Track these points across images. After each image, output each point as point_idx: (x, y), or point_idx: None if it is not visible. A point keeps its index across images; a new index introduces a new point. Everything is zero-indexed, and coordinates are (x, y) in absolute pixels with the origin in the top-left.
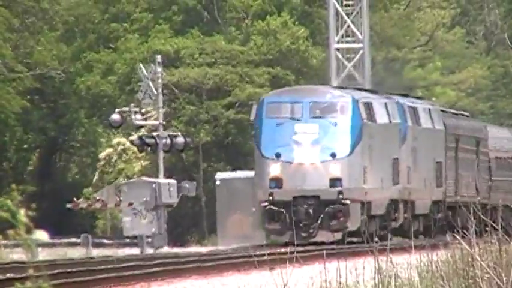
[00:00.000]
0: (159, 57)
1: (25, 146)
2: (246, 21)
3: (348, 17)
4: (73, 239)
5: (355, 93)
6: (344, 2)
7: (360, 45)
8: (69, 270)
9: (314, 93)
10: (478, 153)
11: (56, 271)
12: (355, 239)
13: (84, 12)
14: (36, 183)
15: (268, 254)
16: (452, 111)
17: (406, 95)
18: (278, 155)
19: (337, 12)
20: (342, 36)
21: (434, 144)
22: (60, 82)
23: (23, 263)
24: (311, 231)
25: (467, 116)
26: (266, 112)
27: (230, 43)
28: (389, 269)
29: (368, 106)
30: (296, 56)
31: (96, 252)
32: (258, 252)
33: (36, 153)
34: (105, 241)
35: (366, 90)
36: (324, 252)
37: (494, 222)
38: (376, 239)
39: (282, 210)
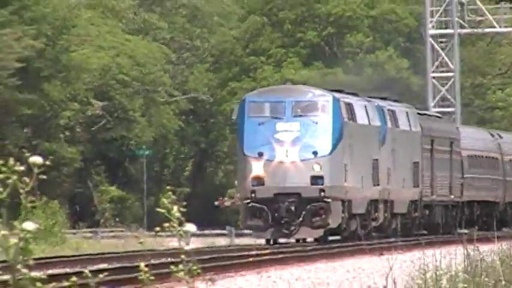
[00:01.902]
0: None
1: (182, 156)
2: (360, 55)
3: (442, 51)
4: (219, 231)
5: (336, 93)
6: (439, 39)
7: (452, 73)
8: (215, 255)
9: (295, 93)
10: (452, 153)
11: (205, 257)
12: (337, 237)
13: (229, 48)
14: (190, 185)
15: (378, 243)
16: (428, 113)
17: (384, 98)
18: (260, 154)
19: (433, 47)
20: (437, 67)
21: (411, 145)
22: (209, 104)
23: (177, 249)
24: (292, 228)
25: (440, 118)
26: (248, 111)
27: (347, 73)
28: (476, 255)
29: (349, 106)
30: (400, 83)
31: (238, 241)
32: (369, 242)
33: (191, 162)
34: (246, 232)
35: (347, 93)
36: (423, 241)
37: (468, 218)
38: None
39: (264, 207)
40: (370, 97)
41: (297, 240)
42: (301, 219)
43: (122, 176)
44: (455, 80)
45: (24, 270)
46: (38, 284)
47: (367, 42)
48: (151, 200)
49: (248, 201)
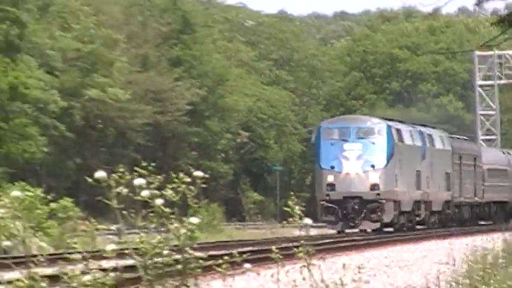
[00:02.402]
0: None
1: (303, 171)
2: (428, 99)
3: (487, 96)
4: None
5: (389, 121)
6: (484, 88)
7: (494, 112)
8: (326, 241)
9: (358, 121)
10: (475, 166)
11: (319, 242)
12: (390, 229)
13: (336, 94)
14: (310, 191)
15: (442, 231)
16: (457, 136)
17: (424, 125)
18: (332, 167)
19: (480, 94)
20: (483, 107)
21: (444, 160)
22: None
23: (298, 237)
24: (356, 222)
25: (466, 140)
26: (323, 135)
27: (419, 111)
28: (511, 239)
29: (398, 131)
30: (457, 119)
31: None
32: (436, 230)
33: (310, 175)
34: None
35: (397, 121)
36: (473, 230)
37: (487, 215)
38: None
39: (335, 206)
40: (414, 124)
41: (360, 231)
42: (363, 215)
43: (262, 185)
44: (497, 116)
45: (191, 252)
46: (201, 261)
47: (434, 90)
48: (282, 202)
49: (323, 202)
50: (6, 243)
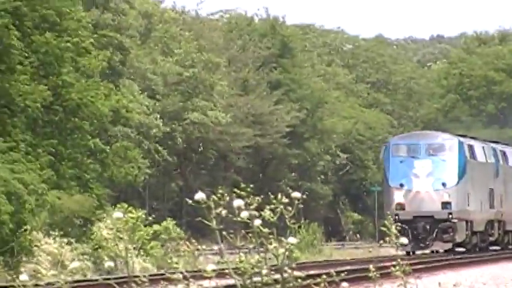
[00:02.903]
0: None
1: None
2: None
3: None
4: None
5: (461, 137)
6: None
7: None
8: (421, 260)
9: (428, 137)
10: None
11: (414, 261)
12: (462, 249)
13: (433, 117)
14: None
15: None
16: None
17: (497, 142)
18: (401, 185)
19: None
20: None
21: None
22: None
23: (394, 255)
24: (427, 242)
25: None
26: (392, 152)
27: None
28: None
29: (470, 147)
30: None
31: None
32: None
33: None
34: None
35: (469, 137)
36: None
37: None
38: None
39: (405, 226)
40: (486, 140)
41: (431, 252)
42: (434, 235)
43: (361, 206)
44: None
45: (289, 271)
46: (299, 280)
47: None
48: (381, 222)
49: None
50: (109, 263)
